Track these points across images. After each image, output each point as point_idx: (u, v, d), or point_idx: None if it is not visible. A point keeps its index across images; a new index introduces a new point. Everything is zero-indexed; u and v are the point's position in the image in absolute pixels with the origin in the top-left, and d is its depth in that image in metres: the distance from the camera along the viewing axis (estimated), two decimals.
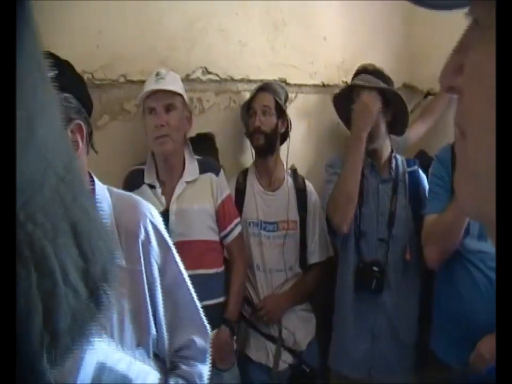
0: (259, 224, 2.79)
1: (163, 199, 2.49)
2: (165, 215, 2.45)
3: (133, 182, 2.51)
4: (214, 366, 2.44)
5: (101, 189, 1.48)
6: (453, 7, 0.52)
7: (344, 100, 2.78)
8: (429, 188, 2.55)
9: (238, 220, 2.67)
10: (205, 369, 1.64)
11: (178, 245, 2.41)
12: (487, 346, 2.16)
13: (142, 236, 1.50)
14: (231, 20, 2.89)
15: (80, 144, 1.41)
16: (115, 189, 1.52)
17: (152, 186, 2.50)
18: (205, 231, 2.54)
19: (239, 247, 2.67)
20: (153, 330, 1.51)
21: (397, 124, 2.74)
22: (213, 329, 2.46)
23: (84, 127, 1.42)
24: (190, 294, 1.67)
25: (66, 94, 1.35)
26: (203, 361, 1.65)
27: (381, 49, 3.47)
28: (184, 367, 1.59)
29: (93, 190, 1.44)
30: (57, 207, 0.40)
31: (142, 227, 1.51)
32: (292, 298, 2.79)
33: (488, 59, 0.43)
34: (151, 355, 1.49)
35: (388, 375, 2.67)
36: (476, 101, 0.46)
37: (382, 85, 2.68)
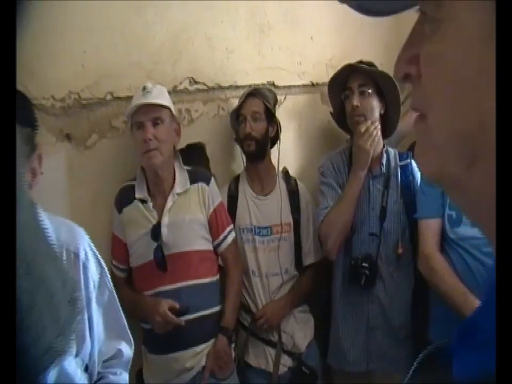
0: (252, 230, 2.82)
1: (155, 212, 2.53)
2: (157, 228, 2.49)
3: (124, 198, 2.55)
4: (213, 375, 2.50)
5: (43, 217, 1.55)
6: (394, 11, 0.61)
7: (339, 86, 2.79)
8: (420, 186, 2.58)
9: (231, 227, 2.70)
10: (127, 377, 1.82)
11: (173, 257, 2.49)
12: None
13: (83, 255, 1.62)
14: (216, 28, 2.90)
15: (38, 171, 1.48)
16: (47, 214, 1.57)
17: (143, 201, 2.54)
18: (198, 241, 2.57)
19: (233, 254, 2.70)
20: (89, 342, 1.62)
21: (389, 117, 2.75)
22: (210, 338, 2.54)
23: (41, 156, 1.50)
24: (119, 307, 1.82)
25: (28, 128, 1.40)
26: (127, 370, 1.82)
27: (369, 43, 3.46)
28: (112, 376, 1.74)
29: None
30: None
31: (82, 248, 1.63)
32: (290, 302, 2.81)
33: (444, 47, 0.51)
34: (84, 366, 1.60)
35: (386, 368, 2.71)
36: (435, 85, 0.52)
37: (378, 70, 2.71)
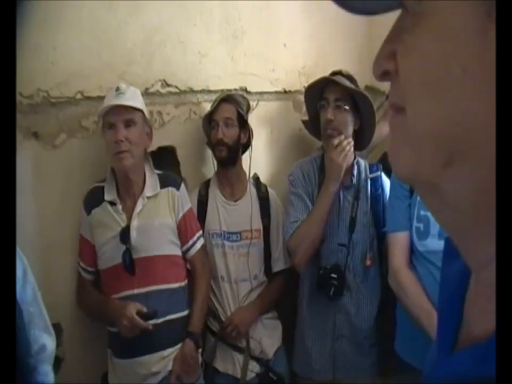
0: (222, 235, 2.80)
1: (124, 215, 2.49)
2: (126, 231, 2.46)
3: (93, 199, 2.51)
4: (179, 380, 2.47)
5: None
6: (379, 11, 0.61)
7: (315, 94, 2.76)
8: (389, 198, 2.58)
9: (199, 233, 2.68)
10: (50, 370, 1.96)
11: (141, 261, 2.46)
12: None
13: None
14: (189, 31, 2.88)
15: None
16: None
17: (112, 203, 2.50)
18: (167, 246, 2.55)
19: (201, 260, 2.68)
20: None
21: (363, 133, 2.74)
22: (177, 342, 2.51)
23: None
24: (42, 305, 1.96)
25: None
26: (51, 363, 1.97)
27: (342, 52, 3.48)
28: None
29: None
30: None
31: None
32: (258, 309, 2.80)
33: (424, 40, 0.50)
34: None
35: (352, 377, 2.71)
36: (414, 77, 0.51)
37: (355, 88, 2.69)
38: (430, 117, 0.50)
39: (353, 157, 2.73)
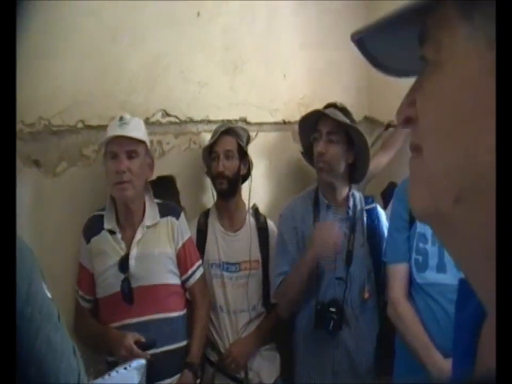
0: (221, 266, 2.79)
1: (123, 244, 2.49)
2: (125, 260, 2.44)
3: (92, 228, 2.50)
4: None
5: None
6: (411, 74, 0.65)
7: (309, 126, 2.76)
8: (388, 229, 2.58)
9: (199, 262, 2.67)
10: None
11: (140, 290, 2.45)
12: None
13: None
14: (190, 61, 2.90)
15: None
16: None
17: (112, 232, 2.49)
18: (166, 275, 2.53)
19: (201, 290, 2.66)
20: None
21: (358, 166, 2.73)
22: (176, 373, 2.49)
23: None
24: None
25: None
26: None
27: (341, 83, 3.51)
28: None
29: None
30: None
31: None
32: (257, 341, 2.79)
33: (439, 88, 0.55)
34: None
35: None
36: (430, 120, 0.56)
37: (348, 122, 2.66)
38: (444, 153, 0.54)
39: (347, 188, 2.74)
